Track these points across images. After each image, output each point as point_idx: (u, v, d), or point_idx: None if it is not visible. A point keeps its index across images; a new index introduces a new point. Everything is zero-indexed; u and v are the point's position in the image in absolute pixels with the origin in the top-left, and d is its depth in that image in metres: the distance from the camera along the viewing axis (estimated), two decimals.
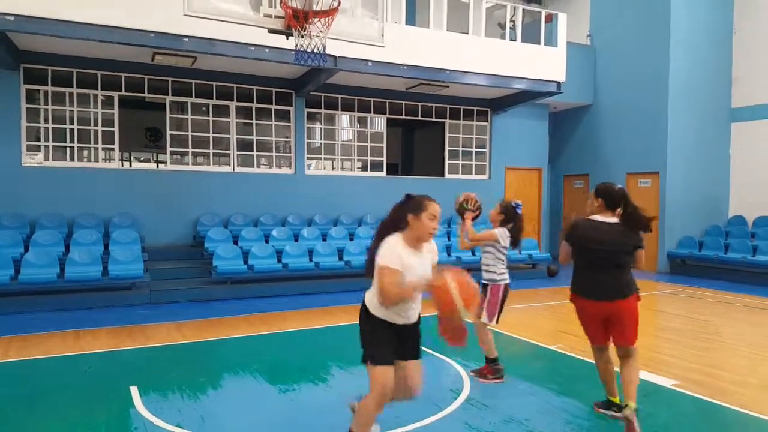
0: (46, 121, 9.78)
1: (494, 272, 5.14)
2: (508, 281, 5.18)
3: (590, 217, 4.16)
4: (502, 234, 5.12)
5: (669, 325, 7.86)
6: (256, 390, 4.90)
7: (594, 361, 4.40)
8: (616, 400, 4.32)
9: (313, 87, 11.01)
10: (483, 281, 5.12)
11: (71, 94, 9.87)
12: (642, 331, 7.20)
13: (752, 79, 13.04)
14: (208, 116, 10.99)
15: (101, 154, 10.47)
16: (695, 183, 13.10)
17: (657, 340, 6.87)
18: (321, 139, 12.24)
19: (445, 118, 13.35)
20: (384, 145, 12.73)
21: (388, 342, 3.23)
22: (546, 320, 8.16)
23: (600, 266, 4.05)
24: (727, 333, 7.47)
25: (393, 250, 3.11)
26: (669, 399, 4.77)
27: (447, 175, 13.37)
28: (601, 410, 4.39)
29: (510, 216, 5.16)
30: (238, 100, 11.14)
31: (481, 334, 5.10)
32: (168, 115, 10.67)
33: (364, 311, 3.32)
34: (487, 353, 5.12)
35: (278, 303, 8.93)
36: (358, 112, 12.40)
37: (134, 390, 4.76)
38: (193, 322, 7.59)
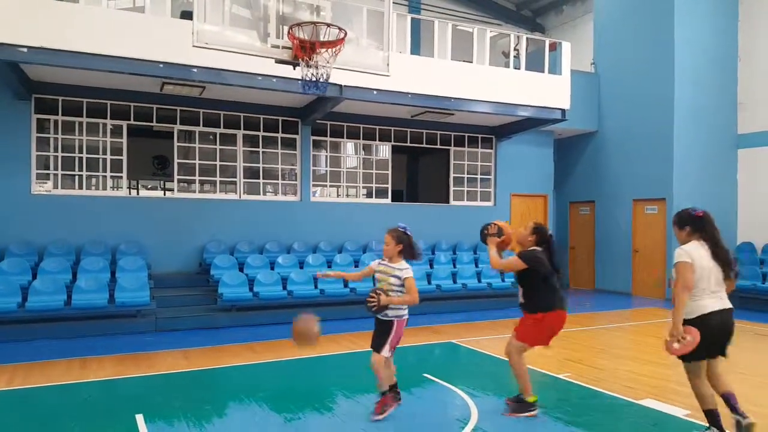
0: (55, 149, 9.90)
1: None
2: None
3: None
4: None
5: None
6: (262, 418, 4.86)
7: (518, 365, 4.90)
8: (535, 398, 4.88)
9: (319, 115, 11.13)
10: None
11: (81, 123, 10.01)
12: (651, 360, 7.15)
13: (758, 105, 13.08)
14: (216, 144, 11.10)
15: (109, 182, 10.57)
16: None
17: (667, 369, 6.77)
18: (326, 167, 12.32)
19: (450, 145, 13.43)
20: (389, 172, 12.80)
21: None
22: (553, 348, 8.06)
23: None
24: (738, 361, 7.33)
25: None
26: (681, 429, 4.69)
27: (452, 202, 13.39)
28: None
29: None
30: (245, 129, 11.27)
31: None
32: (176, 143, 10.79)
33: None
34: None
35: (283, 330, 8.81)
36: (363, 139, 12.50)
37: (140, 418, 4.73)
38: (198, 349, 7.55)
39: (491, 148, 13.86)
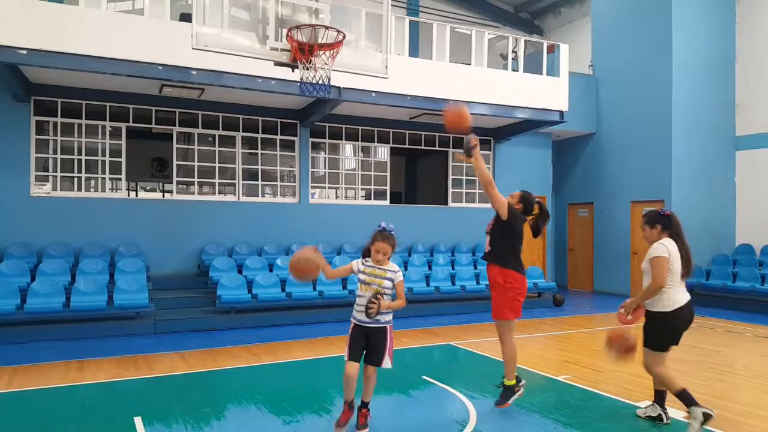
0: (54, 151, 9.91)
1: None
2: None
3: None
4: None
5: (677, 356, 7.74)
6: (260, 421, 4.85)
7: (511, 346, 5.04)
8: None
9: (318, 117, 11.14)
10: None
11: (80, 125, 10.02)
12: None
13: (756, 107, 13.12)
14: (214, 146, 11.11)
15: (108, 184, 10.57)
16: (701, 211, 13.07)
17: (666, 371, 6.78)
18: (325, 169, 12.33)
19: (448, 147, 13.44)
20: (387, 174, 12.81)
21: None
22: (552, 350, 8.09)
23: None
24: (737, 364, 7.37)
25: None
26: (678, 431, 4.70)
27: (450, 204, 13.41)
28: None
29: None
30: (243, 131, 11.27)
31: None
32: (174, 145, 10.80)
33: None
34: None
35: (282, 332, 8.89)
36: (361, 141, 12.51)
37: (138, 420, 4.73)
38: (197, 351, 7.55)
39: (490, 150, 13.87)
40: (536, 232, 5.10)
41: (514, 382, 5.02)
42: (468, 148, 4.82)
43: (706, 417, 4.31)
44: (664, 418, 4.72)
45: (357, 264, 4.43)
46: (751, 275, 11.68)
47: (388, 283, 4.34)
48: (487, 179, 4.81)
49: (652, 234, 4.67)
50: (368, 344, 4.38)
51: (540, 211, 5.10)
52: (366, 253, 4.42)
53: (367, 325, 4.34)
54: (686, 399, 4.43)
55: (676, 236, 4.58)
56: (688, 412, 4.43)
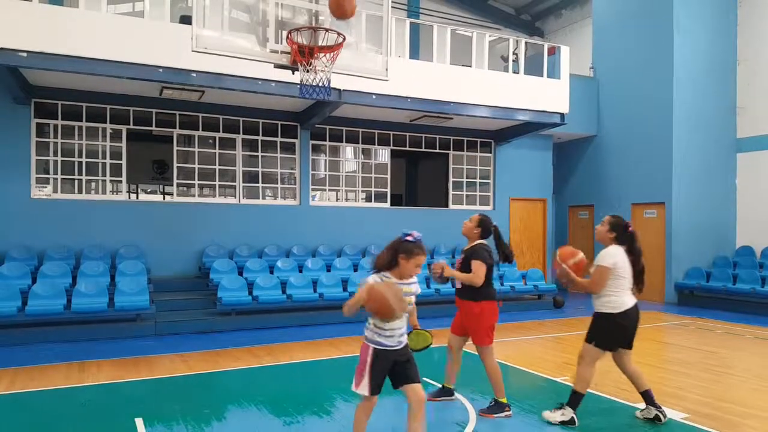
0: (55, 154, 9.93)
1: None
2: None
3: None
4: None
5: (677, 357, 7.77)
6: (260, 422, 4.86)
7: (495, 368, 5.03)
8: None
9: (318, 119, 11.16)
10: None
11: (80, 127, 10.04)
12: (650, 363, 7.15)
13: (757, 109, 13.11)
14: (215, 149, 11.13)
15: (109, 187, 10.59)
16: (701, 213, 13.07)
17: (665, 373, 6.78)
18: (326, 171, 12.35)
19: (449, 150, 13.45)
20: (388, 176, 12.82)
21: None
22: (552, 351, 8.08)
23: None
24: (737, 365, 7.37)
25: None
26: (677, 431, 4.70)
27: (451, 206, 13.41)
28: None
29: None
30: (244, 133, 11.29)
31: None
32: (175, 147, 10.82)
33: None
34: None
35: (282, 334, 8.90)
36: (362, 143, 12.53)
37: (139, 422, 4.74)
38: (197, 353, 7.56)
39: (490, 152, 13.89)
40: (507, 258, 5.16)
41: (505, 400, 5.04)
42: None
43: (571, 422, 4.64)
44: (662, 417, 4.76)
45: (376, 279, 3.70)
46: (752, 277, 11.67)
47: (413, 298, 3.88)
48: (465, 279, 4.96)
49: (606, 237, 4.77)
50: (394, 368, 3.69)
51: (498, 236, 5.18)
52: (386, 267, 3.73)
53: (394, 348, 3.67)
54: (576, 402, 4.70)
55: (630, 252, 4.70)
56: (563, 410, 4.73)
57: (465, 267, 4.99)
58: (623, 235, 4.72)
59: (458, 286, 5.12)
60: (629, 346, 4.79)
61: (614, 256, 4.61)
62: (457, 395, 5.60)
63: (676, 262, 12.89)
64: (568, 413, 4.68)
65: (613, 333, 4.67)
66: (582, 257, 4.74)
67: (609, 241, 4.73)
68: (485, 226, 5.07)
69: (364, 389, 3.63)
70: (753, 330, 9.62)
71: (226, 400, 5.48)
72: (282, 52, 6.48)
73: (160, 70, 8.55)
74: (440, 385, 5.44)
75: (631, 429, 4.73)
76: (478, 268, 4.87)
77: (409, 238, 3.71)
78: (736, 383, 6.39)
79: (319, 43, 6.32)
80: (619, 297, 4.62)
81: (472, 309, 5.00)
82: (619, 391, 5.74)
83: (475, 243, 5.05)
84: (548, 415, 4.77)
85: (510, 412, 5.00)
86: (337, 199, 12.69)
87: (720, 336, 9.15)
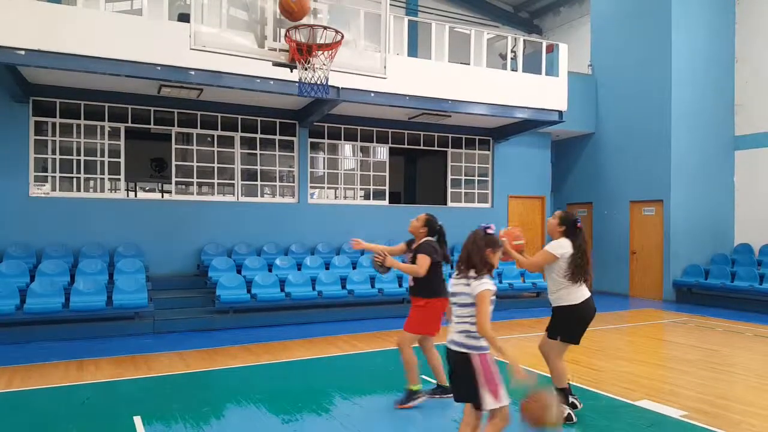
0: (53, 152, 9.91)
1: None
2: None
3: None
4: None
5: (676, 355, 7.79)
6: (259, 420, 4.86)
7: (410, 356, 5.13)
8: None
9: (317, 117, 11.15)
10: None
11: (79, 125, 10.02)
12: (648, 360, 7.17)
13: (755, 107, 13.12)
14: (213, 147, 11.11)
15: (107, 185, 10.57)
16: (700, 211, 13.09)
17: (664, 370, 6.80)
18: (324, 169, 12.34)
19: (448, 147, 13.45)
20: (386, 174, 12.81)
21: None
22: None
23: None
24: (736, 362, 7.38)
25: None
26: (677, 430, 4.71)
27: (449, 204, 13.41)
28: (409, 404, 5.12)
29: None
30: (242, 131, 11.28)
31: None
32: (173, 145, 10.80)
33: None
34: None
35: (281, 332, 8.90)
36: (360, 141, 12.52)
37: (138, 420, 4.74)
38: (196, 351, 7.56)
39: (489, 150, 13.88)
40: (446, 259, 5.30)
41: (418, 387, 5.19)
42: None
43: (568, 419, 4.66)
44: (577, 403, 4.91)
45: (467, 286, 3.47)
46: (750, 275, 11.70)
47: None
48: (406, 268, 5.11)
49: (556, 230, 4.87)
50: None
51: (442, 236, 5.31)
52: (487, 267, 3.50)
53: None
54: (565, 398, 4.79)
55: (578, 248, 4.77)
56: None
57: (413, 263, 5.12)
58: (572, 229, 4.82)
59: (411, 283, 5.25)
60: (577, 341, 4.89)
61: (564, 247, 4.73)
62: None
63: (674, 259, 12.91)
64: (564, 411, 4.69)
65: (576, 325, 4.80)
66: (522, 244, 4.89)
67: (558, 235, 4.84)
68: (431, 226, 5.24)
69: (504, 397, 3.41)
70: (751, 327, 9.64)
71: (225, 398, 5.48)
72: (280, 50, 6.47)
73: (159, 68, 8.52)
74: (435, 383, 5.46)
75: (631, 428, 4.75)
76: (423, 260, 5.02)
77: (491, 231, 3.60)
78: (735, 381, 6.41)
79: (318, 41, 6.30)
80: (574, 290, 4.75)
81: (418, 302, 5.16)
82: (619, 390, 5.76)
83: (422, 240, 5.20)
84: None
85: (424, 397, 5.18)
86: (335, 197, 12.68)
87: (718, 333, 9.17)
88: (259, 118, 11.36)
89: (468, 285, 3.42)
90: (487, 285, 3.38)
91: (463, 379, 3.41)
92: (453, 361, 3.48)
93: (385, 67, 7.19)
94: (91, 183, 10.59)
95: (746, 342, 8.58)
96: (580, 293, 4.75)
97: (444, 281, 5.14)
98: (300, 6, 5.78)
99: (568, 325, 4.79)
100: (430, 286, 5.12)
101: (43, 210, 9.62)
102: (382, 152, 12.92)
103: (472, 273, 3.45)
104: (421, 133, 13.00)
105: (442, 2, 18.39)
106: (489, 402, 3.35)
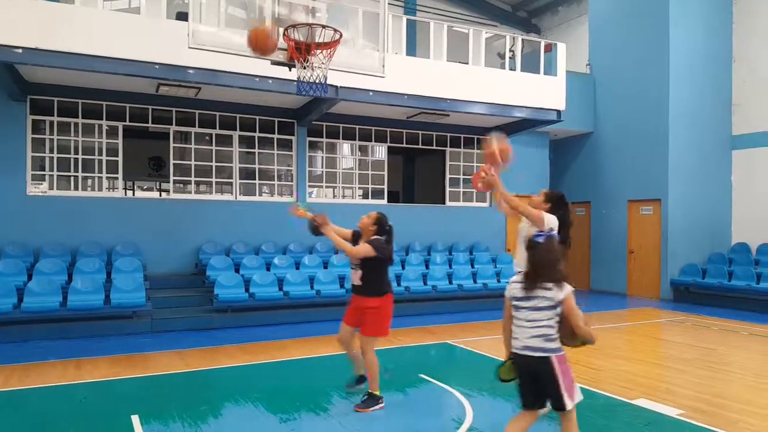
0: (51, 150, 9.89)
1: None
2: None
3: None
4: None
5: (673, 354, 7.81)
6: (257, 419, 4.87)
7: (373, 360, 5.14)
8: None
9: (315, 116, 11.14)
10: None
11: (76, 124, 10.00)
12: (645, 359, 7.19)
13: (752, 107, 13.15)
14: (211, 145, 11.10)
15: (105, 183, 10.56)
16: (697, 210, 13.12)
17: (661, 369, 6.82)
18: (322, 168, 12.33)
19: (446, 146, 13.45)
20: (385, 173, 12.81)
21: None
22: None
23: None
24: (733, 361, 7.40)
25: None
26: (673, 429, 4.72)
27: (448, 203, 13.42)
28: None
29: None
30: (240, 130, 11.26)
31: None
32: (171, 144, 10.79)
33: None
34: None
35: (279, 331, 8.90)
36: (359, 140, 12.51)
37: (135, 419, 4.74)
38: (194, 350, 7.55)
39: None
40: (390, 258, 5.27)
41: (379, 392, 5.17)
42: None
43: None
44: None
45: (547, 290, 3.43)
46: (747, 274, 11.73)
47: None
48: (350, 251, 5.12)
49: (541, 205, 5.03)
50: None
51: (390, 236, 5.30)
52: (558, 278, 3.45)
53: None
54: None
55: (564, 222, 4.87)
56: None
57: (364, 262, 5.11)
58: (558, 205, 4.93)
59: (357, 283, 5.25)
60: None
61: (552, 223, 4.73)
62: (453, 391, 5.61)
63: (671, 258, 12.93)
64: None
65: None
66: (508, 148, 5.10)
67: (543, 208, 4.95)
68: (381, 225, 5.25)
69: (579, 394, 3.49)
70: (748, 326, 9.66)
71: (223, 397, 5.48)
72: (279, 49, 6.47)
73: (157, 66, 8.51)
74: (358, 375, 5.45)
75: (628, 427, 4.76)
76: (364, 247, 5.03)
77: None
78: (732, 380, 6.42)
79: (316, 40, 6.31)
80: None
81: (370, 302, 5.14)
82: (616, 389, 5.77)
83: (372, 238, 5.20)
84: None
85: (383, 405, 5.11)
86: (334, 196, 12.68)
87: (715, 332, 9.19)
88: (257, 117, 11.34)
89: (550, 290, 3.39)
90: (569, 287, 3.44)
91: (544, 383, 3.39)
92: (532, 367, 3.42)
93: (383, 66, 7.20)
94: (89, 182, 10.58)
95: (743, 341, 8.60)
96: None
97: (389, 279, 5.28)
98: (263, 45, 5.97)
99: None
100: (380, 285, 5.15)
101: (40, 209, 9.60)
102: (380, 151, 12.91)
103: (549, 284, 3.41)
104: (420, 132, 13.00)
105: (440, 1, 18.39)
106: (568, 403, 3.38)
